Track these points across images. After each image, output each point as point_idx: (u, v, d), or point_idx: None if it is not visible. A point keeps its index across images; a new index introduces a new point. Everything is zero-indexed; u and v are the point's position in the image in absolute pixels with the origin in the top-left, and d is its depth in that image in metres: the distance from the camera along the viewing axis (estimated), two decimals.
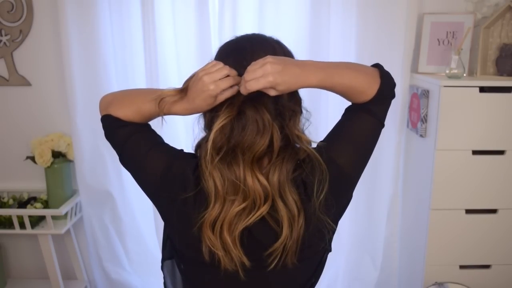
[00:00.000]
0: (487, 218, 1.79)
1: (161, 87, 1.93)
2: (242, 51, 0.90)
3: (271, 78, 0.81)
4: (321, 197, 0.86)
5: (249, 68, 0.84)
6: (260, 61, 0.83)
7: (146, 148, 0.93)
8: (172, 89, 0.91)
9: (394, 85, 0.95)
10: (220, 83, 0.84)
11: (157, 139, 0.98)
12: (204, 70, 0.86)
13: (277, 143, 0.86)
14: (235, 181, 0.84)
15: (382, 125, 0.95)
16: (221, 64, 0.86)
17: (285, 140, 0.88)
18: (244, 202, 0.84)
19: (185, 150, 0.98)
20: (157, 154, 0.93)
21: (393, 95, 0.96)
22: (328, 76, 0.87)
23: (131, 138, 0.94)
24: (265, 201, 0.85)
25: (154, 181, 0.92)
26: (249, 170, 0.84)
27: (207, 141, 0.86)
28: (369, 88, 0.90)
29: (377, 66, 0.96)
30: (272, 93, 0.83)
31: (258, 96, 0.85)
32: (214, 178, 0.85)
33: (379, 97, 0.91)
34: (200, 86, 0.85)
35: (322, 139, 0.96)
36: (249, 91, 0.83)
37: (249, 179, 0.84)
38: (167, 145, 0.97)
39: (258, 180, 0.84)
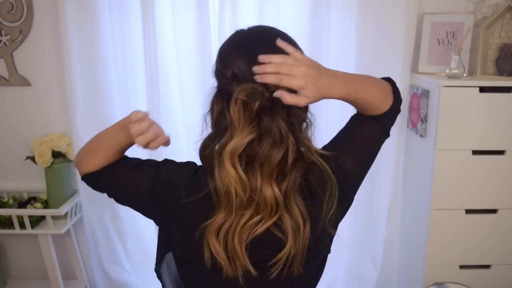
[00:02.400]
0: (487, 218, 1.79)
1: (161, 87, 1.95)
2: (254, 41, 0.86)
3: (303, 82, 0.78)
4: (331, 211, 0.85)
5: (284, 60, 0.79)
6: (296, 58, 0.79)
7: (129, 175, 0.94)
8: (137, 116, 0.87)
9: (401, 101, 0.98)
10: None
11: (135, 161, 0.97)
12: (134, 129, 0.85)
13: (292, 155, 0.83)
14: (249, 191, 0.82)
15: (388, 136, 0.98)
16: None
17: (298, 151, 0.86)
18: (257, 212, 0.83)
19: (187, 159, 0.97)
20: (141, 172, 0.93)
21: (400, 110, 0.98)
22: (353, 90, 0.86)
23: (113, 179, 0.95)
24: (272, 210, 0.83)
25: (147, 199, 0.91)
26: (266, 182, 0.82)
27: (223, 145, 0.83)
28: (384, 104, 0.92)
29: (389, 81, 0.98)
30: (302, 102, 0.79)
31: (273, 106, 0.82)
32: (230, 186, 0.82)
33: (391, 112, 0.94)
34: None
35: (321, 140, 0.96)
36: (272, 82, 0.78)
37: (267, 191, 0.82)
38: (148, 161, 0.97)
39: (273, 191, 0.83)
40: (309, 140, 0.88)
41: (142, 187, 0.91)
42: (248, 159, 0.82)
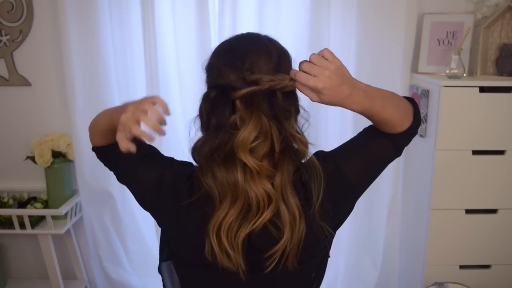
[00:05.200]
0: (487, 218, 1.79)
1: (161, 87, 1.95)
2: (234, 51, 0.89)
3: (320, 85, 0.78)
4: (319, 201, 0.86)
5: (311, 58, 0.80)
6: (323, 62, 0.79)
7: (135, 164, 0.94)
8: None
9: (420, 124, 0.96)
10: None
11: (146, 152, 0.96)
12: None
13: (277, 145, 0.85)
14: (237, 186, 0.84)
15: (399, 155, 0.96)
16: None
17: (285, 142, 0.87)
18: (247, 206, 0.84)
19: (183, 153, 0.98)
20: (147, 169, 0.93)
21: (417, 133, 0.96)
22: (370, 108, 0.85)
23: (121, 159, 0.94)
24: (269, 204, 0.84)
25: (148, 195, 0.93)
26: (259, 177, 0.84)
27: (213, 146, 0.84)
28: (402, 125, 0.90)
29: (412, 102, 0.96)
30: (315, 98, 0.80)
31: (252, 98, 0.83)
32: (216, 182, 0.85)
33: (407, 133, 0.92)
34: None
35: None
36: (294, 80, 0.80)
37: (253, 184, 0.84)
38: (157, 156, 0.97)
39: (266, 186, 0.84)
40: (295, 130, 0.88)
41: (145, 183, 0.93)
42: (235, 155, 0.83)
